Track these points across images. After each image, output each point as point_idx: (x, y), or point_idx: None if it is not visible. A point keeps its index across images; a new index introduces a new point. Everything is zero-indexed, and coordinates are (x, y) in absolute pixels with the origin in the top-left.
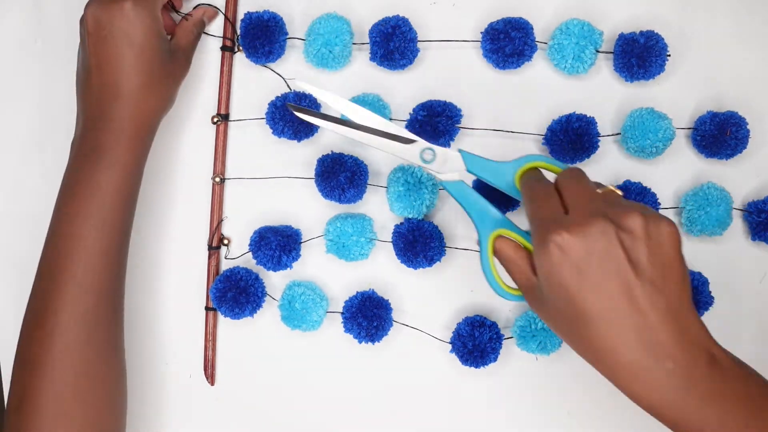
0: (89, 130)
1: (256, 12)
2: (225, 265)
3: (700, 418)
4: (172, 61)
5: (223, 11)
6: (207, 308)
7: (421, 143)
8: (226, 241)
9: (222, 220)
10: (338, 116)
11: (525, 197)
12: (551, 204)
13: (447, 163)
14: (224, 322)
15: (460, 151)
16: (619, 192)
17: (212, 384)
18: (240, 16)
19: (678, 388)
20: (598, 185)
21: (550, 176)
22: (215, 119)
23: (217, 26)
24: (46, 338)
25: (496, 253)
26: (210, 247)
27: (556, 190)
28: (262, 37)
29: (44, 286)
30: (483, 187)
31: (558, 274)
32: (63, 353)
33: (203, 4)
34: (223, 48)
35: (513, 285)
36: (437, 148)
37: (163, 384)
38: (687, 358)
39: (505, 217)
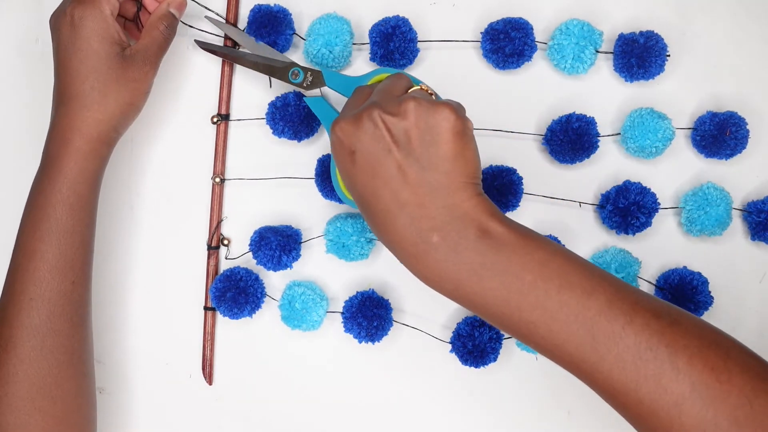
0: (47, 138)
1: (266, 4)
2: (225, 265)
3: (480, 291)
4: (130, 65)
5: (224, 12)
6: (206, 308)
7: (293, 63)
8: (226, 242)
9: (222, 221)
10: (239, 51)
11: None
12: (353, 102)
13: (312, 81)
14: (224, 322)
15: (322, 69)
16: (429, 90)
17: (210, 384)
18: (242, 16)
19: (447, 261)
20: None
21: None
22: (215, 119)
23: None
24: (1, 352)
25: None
26: (209, 247)
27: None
28: (269, 26)
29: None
30: None
31: (339, 162)
32: (17, 366)
33: None
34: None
35: None
36: (303, 67)
37: (163, 384)
38: (452, 232)
39: None
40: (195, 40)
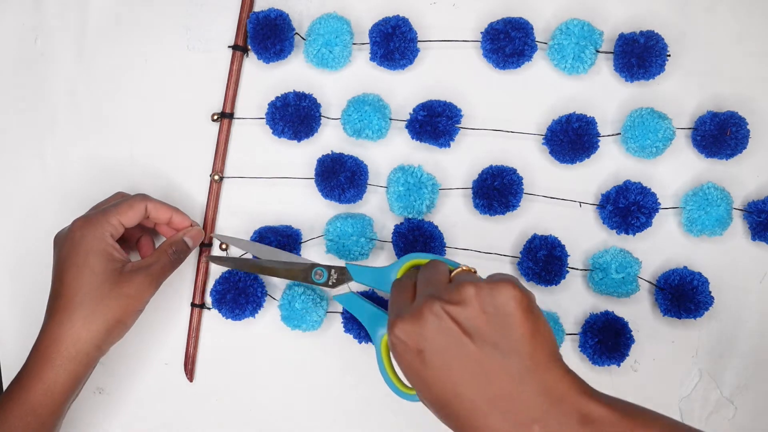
0: (33, 345)
1: (263, 11)
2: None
3: None
4: (128, 280)
5: (237, 14)
6: (193, 305)
7: (313, 264)
8: (223, 246)
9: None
10: (251, 257)
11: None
12: (401, 299)
13: (337, 278)
14: (224, 322)
15: (346, 264)
16: (472, 270)
17: (191, 380)
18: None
19: None
20: (454, 269)
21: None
22: (215, 117)
23: (227, 26)
24: None
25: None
26: (202, 244)
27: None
28: (273, 36)
29: None
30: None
31: (407, 365)
32: None
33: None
34: (235, 47)
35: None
36: (326, 266)
37: (163, 384)
38: (553, 420)
39: None
40: (208, 257)
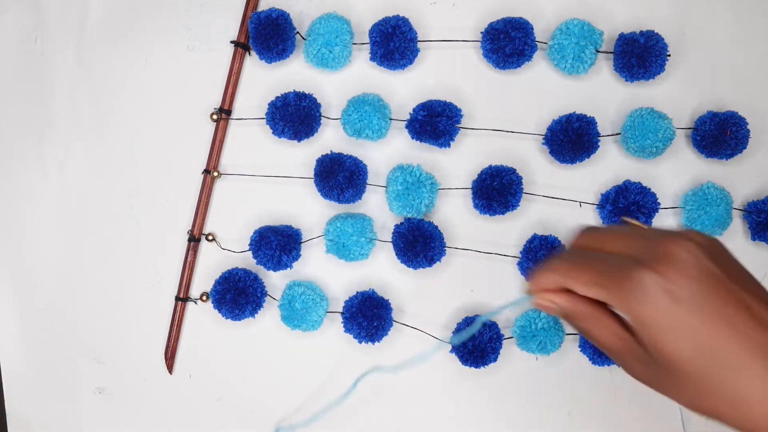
0: None
1: (264, 11)
2: (220, 260)
3: None
4: None
5: (237, 14)
6: (177, 298)
7: None
8: (210, 237)
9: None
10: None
11: (587, 278)
12: (605, 258)
13: None
14: (224, 322)
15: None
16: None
17: (171, 373)
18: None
19: None
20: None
21: None
22: (214, 117)
23: (228, 26)
24: None
25: (562, 311)
26: (191, 239)
27: (586, 250)
28: (275, 36)
29: None
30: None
31: (676, 318)
32: None
33: None
34: (237, 44)
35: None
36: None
37: (163, 383)
38: None
39: None
40: None
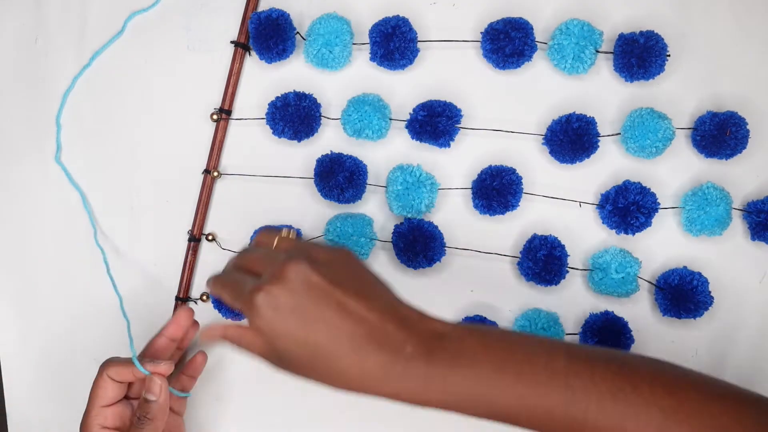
0: None
1: (264, 11)
2: (220, 260)
3: (452, 384)
4: None
5: (237, 14)
6: (177, 298)
7: None
8: (210, 237)
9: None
10: None
11: (228, 298)
12: (242, 279)
13: None
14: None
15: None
16: (291, 234)
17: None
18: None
19: (424, 365)
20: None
21: None
22: (214, 117)
23: (228, 26)
24: None
25: (224, 338)
26: (191, 239)
27: (239, 270)
28: (275, 36)
29: None
30: None
31: (279, 325)
32: None
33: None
34: (237, 44)
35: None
36: None
37: None
38: (418, 338)
39: None
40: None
